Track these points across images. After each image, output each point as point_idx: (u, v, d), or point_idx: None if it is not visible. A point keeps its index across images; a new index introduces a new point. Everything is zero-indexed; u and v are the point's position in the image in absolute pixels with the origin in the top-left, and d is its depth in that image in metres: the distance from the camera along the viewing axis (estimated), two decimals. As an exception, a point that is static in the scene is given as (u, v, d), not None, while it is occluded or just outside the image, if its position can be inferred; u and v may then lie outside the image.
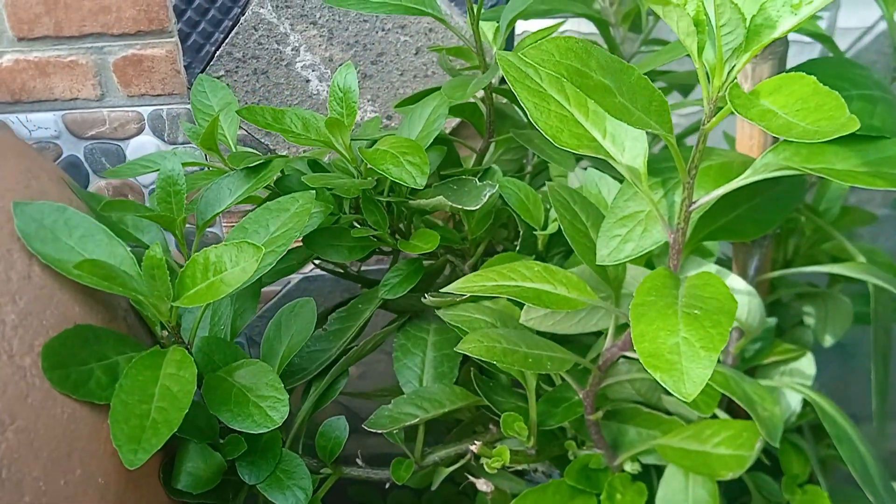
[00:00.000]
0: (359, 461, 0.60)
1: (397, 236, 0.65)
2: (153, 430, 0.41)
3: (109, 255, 0.47)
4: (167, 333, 0.52)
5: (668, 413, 0.51)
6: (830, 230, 0.53)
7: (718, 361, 0.53)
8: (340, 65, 0.95)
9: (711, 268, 0.45)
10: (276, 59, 0.91)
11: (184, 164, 0.63)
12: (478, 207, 0.56)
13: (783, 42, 0.44)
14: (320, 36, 0.90)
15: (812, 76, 0.31)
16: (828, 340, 0.57)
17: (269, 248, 0.51)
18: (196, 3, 0.88)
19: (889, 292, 0.46)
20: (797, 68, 0.42)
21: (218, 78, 0.92)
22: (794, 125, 0.29)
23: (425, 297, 0.53)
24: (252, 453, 0.52)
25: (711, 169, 0.42)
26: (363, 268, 0.76)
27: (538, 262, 0.45)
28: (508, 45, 0.89)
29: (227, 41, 0.89)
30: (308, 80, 0.93)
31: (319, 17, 0.90)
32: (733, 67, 0.35)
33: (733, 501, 0.54)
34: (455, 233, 0.64)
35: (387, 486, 0.61)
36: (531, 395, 0.51)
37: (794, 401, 0.52)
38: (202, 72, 0.91)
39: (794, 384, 0.51)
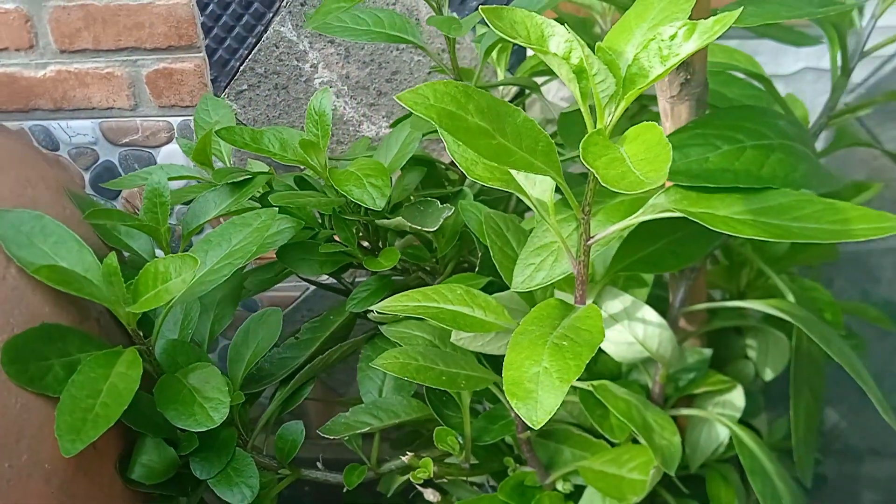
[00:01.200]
0: (319, 464, 0.63)
1: (376, 253, 0.68)
2: (93, 422, 0.46)
3: (78, 260, 0.52)
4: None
5: (600, 435, 0.53)
6: (760, 264, 0.54)
7: (648, 397, 0.55)
8: (357, 82, 0.99)
9: (627, 299, 0.47)
10: (295, 75, 0.95)
11: (176, 178, 0.68)
12: (435, 229, 0.59)
13: (699, 84, 0.45)
14: (337, 54, 0.95)
15: (658, 128, 0.33)
16: (768, 374, 0.58)
17: (228, 260, 0.55)
18: (223, 21, 0.93)
19: (814, 328, 0.47)
20: (701, 119, 0.44)
21: (241, 92, 0.97)
22: (628, 174, 0.31)
23: (371, 313, 0.56)
24: (206, 450, 0.56)
25: (623, 204, 0.44)
26: (358, 279, 0.79)
27: (462, 286, 0.48)
28: (515, 62, 0.90)
29: (250, 57, 0.94)
30: (325, 97, 0.97)
31: (337, 36, 0.94)
32: (614, 112, 0.37)
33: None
34: (426, 251, 0.67)
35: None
36: (465, 410, 0.53)
37: (722, 432, 0.53)
38: (227, 86, 0.97)
39: (720, 415, 0.52)
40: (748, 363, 0.59)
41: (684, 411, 0.54)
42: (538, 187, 0.43)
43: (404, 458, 0.54)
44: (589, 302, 0.48)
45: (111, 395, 0.47)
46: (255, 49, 0.94)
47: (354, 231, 0.66)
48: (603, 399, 0.44)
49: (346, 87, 0.96)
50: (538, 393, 0.35)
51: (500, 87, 0.79)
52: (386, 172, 0.59)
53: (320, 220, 0.69)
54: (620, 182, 0.31)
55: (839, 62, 0.50)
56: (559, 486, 0.54)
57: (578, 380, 0.47)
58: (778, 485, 0.48)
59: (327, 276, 0.72)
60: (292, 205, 0.60)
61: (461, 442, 0.54)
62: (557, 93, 0.98)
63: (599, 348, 0.46)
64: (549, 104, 0.76)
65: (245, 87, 0.96)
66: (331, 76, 0.96)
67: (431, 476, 0.53)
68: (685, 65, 0.44)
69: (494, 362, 0.55)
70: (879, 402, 0.45)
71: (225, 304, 0.65)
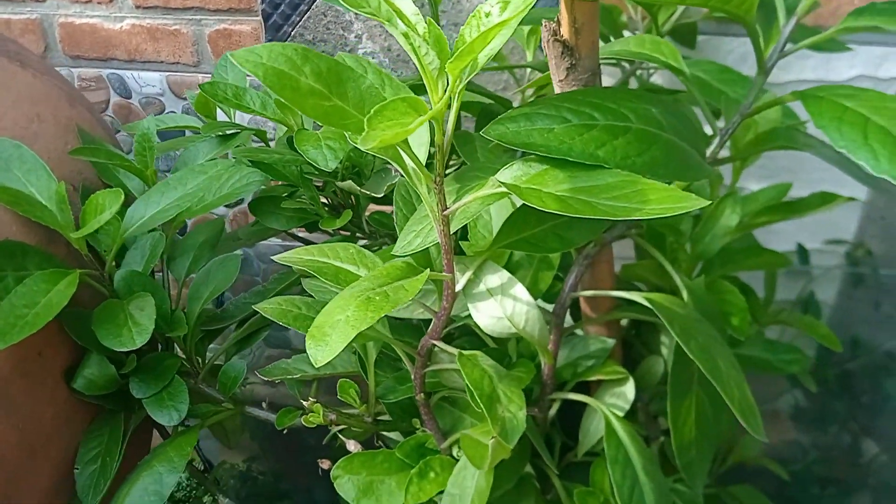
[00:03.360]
0: (263, 405, 0.68)
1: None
2: (20, 328, 0.52)
3: (45, 188, 0.58)
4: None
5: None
6: (658, 256, 0.53)
7: (540, 370, 0.55)
8: (398, 55, 1.03)
9: (504, 275, 0.48)
10: (341, 43, 1.00)
11: (168, 128, 0.74)
12: (380, 195, 0.62)
13: (587, 70, 0.45)
14: (380, 26, 0.98)
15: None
16: (675, 372, 0.56)
17: (178, 202, 0.60)
18: (278, -13, 0.98)
19: (676, 322, 0.46)
20: (568, 93, 0.44)
21: (289, 58, 1.02)
22: (398, 135, 0.33)
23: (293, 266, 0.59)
24: (146, 372, 0.61)
25: (499, 181, 0.45)
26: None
27: (354, 246, 0.50)
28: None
29: (300, 24, 1.00)
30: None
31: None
32: (447, 84, 0.39)
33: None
34: (391, 218, 0.69)
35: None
36: (369, 366, 0.56)
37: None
38: (278, 52, 1.02)
39: (603, 405, 0.52)
40: (659, 360, 0.58)
41: (571, 395, 0.54)
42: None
43: (305, 403, 0.57)
44: (468, 274, 0.50)
45: (45, 307, 0.53)
46: (306, 16, 0.99)
47: (331, 192, 0.70)
48: (461, 366, 0.46)
49: (387, 60, 1.00)
50: (332, 337, 0.37)
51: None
52: (344, 137, 0.62)
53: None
54: (377, 142, 0.33)
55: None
56: (454, 451, 0.56)
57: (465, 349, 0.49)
58: (641, 479, 0.48)
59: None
60: (254, 159, 0.64)
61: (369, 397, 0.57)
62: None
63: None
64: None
65: (294, 53, 1.01)
66: (373, 47, 1.00)
67: (324, 422, 0.56)
68: (570, 50, 0.45)
69: (402, 324, 0.57)
70: (737, 407, 0.44)
71: (204, 248, 0.70)
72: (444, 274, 0.46)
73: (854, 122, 0.40)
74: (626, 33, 0.86)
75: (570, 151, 0.39)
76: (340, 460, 0.57)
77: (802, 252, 1.03)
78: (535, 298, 0.55)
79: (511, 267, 0.55)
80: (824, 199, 0.60)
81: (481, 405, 0.44)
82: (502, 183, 0.39)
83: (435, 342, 0.51)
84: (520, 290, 0.48)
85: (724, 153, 0.57)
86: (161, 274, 0.69)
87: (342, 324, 0.38)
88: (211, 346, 0.72)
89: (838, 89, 0.43)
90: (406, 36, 0.38)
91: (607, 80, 0.93)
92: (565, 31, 0.44)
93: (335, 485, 0.56)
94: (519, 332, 0.48)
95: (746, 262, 0.61)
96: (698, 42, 0.92)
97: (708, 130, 0.54)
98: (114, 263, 0.62)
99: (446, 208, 0.43)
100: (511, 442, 0.44)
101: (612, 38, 0.81)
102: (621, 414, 0.52)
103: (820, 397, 1.14)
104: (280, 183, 0.71)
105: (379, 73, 0.47)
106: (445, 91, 0.39)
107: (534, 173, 0.40)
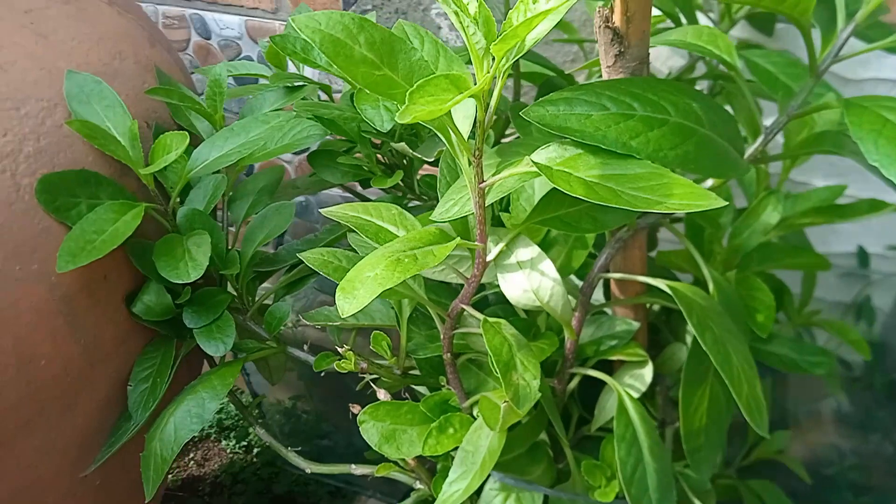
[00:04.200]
0: (305, 346, 0.72)
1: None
2: (88, 252, 0.56)
3: (120, 124, 0.62)
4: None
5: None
6: (689, 245, 0.54)
7: (563, 344, 0.57)
8: (472, 20, 1.03)
9: (535, 250, 0.50)
10: (415, 2, 1.02)
11: (238, 74, 0.77)
12: (431, 159, 0.64)
13: (636, 59, 0.46)
14: (456, -12, 0.99)
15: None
16: (697, 361, 0.58)
17: (240, 148, 0.63)
18: (358, -59, 1.00)
19: (694, 312, 0.48)
20: (610, 80, 0.45)
21: (365, 11, 1.05)
22: (434, 112, 0.35)
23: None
24: (199, 305, 0.66)
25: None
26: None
27: (397, 207, 0.53)
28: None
29: (378, -24, 1.02)
30: (440, 27, 1.03)
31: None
32: (492, 64, 0.40)
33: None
34: (441, 181, 0.72)
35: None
36: (403, 322, 0.59)
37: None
38: (354, 4, 1.05)
39: (620, 384, 0.53)
40: (683, 347, 0.59)
41: (590, 372, 0.56)
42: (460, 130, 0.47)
43: (340, 350, 0.60)
44: (500, 245, 0.52)
45: (112, 235, 0.58)
46: (382, -28, 1.01)
47: (387, 152, 0.72)
48: (483, 332, 0.48)
49: (460, 23, 1.01)
50: (359, 291, 0.40)
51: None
52: (403, 98, 0.65)
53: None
54: (413, 116, 0.35)
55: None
56: (474, 411, 0.59)
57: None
58: (646, 458, 0.50)
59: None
60: (315, 114, 0.67)
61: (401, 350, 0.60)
62: (667, 61, 0.97)
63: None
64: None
65: (370, 6, 1.04)
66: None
67: (355, 369, 0.59)
68: (619, 37, 0.46)
69: (440, 286, 0.60)
70: (743, 402, 0.45)
71: (263, 193, 0.74)
72: (475, 243, 0.49)
73: (892, 136, 0.40)
74: (699, 15, 0.85)
75: (604, 139, 0.41)
76: (367, 407, 0.60)
77: (863, 255, 1.01)
78: (568, 275, 0.57)
79: (547, 243, 0.57)
80: (873, 207, 0.60)
81: (497, 370, 0.47)
82: (535, 163, 0.41)
83: (464, 306, 0.53)
84: (548, 265, 0.49)
85: (778, 149, 0.57)
86: (221, 214, 0.73)
87: (370, 280, 0.40)
88: (262, 286, 0.76)
89: (884, 100, 0.43)
90: (456, 14, 0.40)
91: (678, 59, 0.93)
92: (617, 19, 0.45)
93: (360, 429, 0.59)
94: (543, 306, 0.50)
95: (785, 261, 0.61)
96: (777, 30, 0.90)
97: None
98: (178, 200, 0.66)
99: (483, 181, 0.45)
100: (522, 407, 0.47)
101: (683, 18, 0.81)
102: (636, 395, 0.54)
103: (864, 403, 1.13)
104: (339, 138, 0.73)
105: (435, 44, 0.49)
106: (490, 70, 0.40)
107: (567, 156, 0.42)
